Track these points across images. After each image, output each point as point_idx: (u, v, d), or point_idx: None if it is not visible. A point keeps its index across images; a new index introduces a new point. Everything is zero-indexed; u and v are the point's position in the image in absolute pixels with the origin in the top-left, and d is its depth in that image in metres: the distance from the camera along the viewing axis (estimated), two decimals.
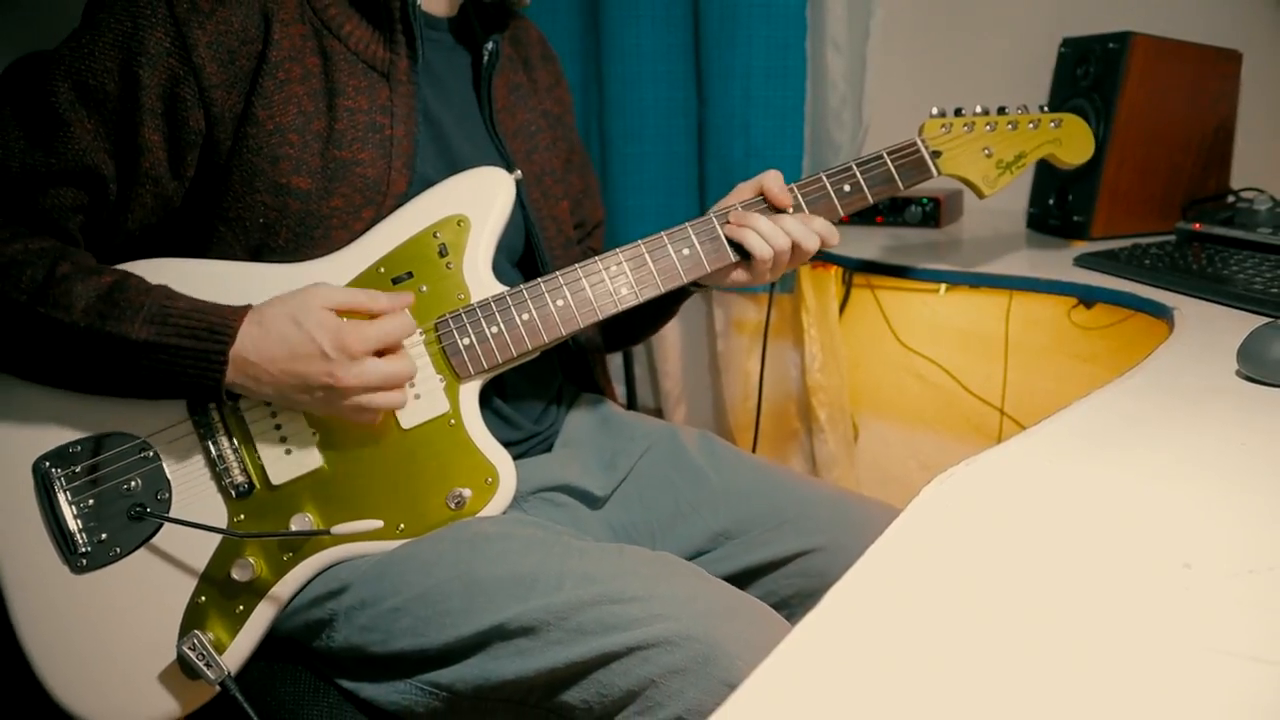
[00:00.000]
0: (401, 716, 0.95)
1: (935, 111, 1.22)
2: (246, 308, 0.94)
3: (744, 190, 1.14)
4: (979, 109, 1.23)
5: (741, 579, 1.11)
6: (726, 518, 1.13)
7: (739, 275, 1.12)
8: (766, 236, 1.08)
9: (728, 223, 1.10)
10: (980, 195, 1.24)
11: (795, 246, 1.09)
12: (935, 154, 1.19)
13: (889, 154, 1.17)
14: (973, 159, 1.22)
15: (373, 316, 0.97)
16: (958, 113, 1.22)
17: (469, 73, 1.15)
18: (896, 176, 1.16)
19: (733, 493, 1.15)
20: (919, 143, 1.19)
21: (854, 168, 1.15)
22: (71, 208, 0.96)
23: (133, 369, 0.93)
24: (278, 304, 0.94)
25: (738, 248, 1.10)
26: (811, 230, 1.10)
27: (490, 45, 1.12)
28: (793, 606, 1.10)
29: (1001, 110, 1.24)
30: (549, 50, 1.31)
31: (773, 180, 1.11)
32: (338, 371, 0.92)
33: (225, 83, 0.96)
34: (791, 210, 1.11)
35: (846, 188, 1.14)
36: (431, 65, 1.09)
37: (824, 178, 1.13)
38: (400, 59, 1.03)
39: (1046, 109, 1.28)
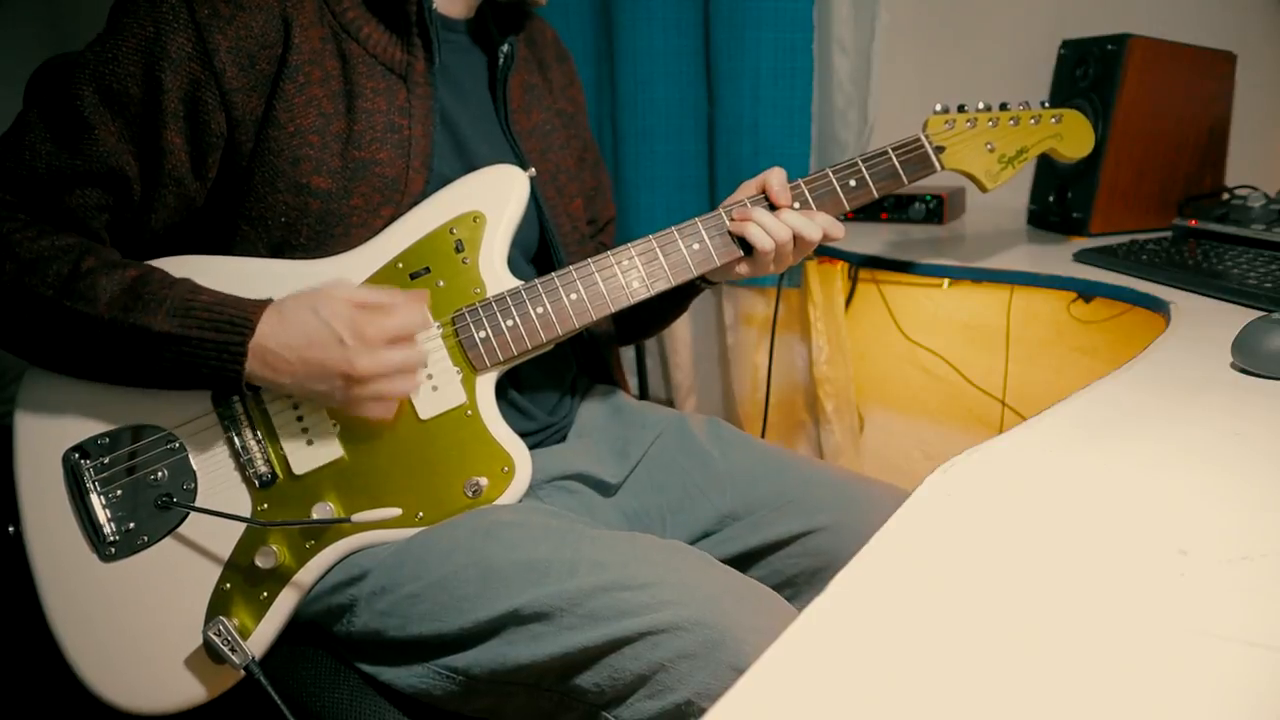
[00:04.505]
0: (419, 699, 0.96)
1: (939, 108, 1.22)
2: (268, 301, 0.95)
3: (748, 187, 1.14)
4: (981, 105, 1.23)
5: (748, 559, 1.12)
6: (733, 499, 1.14)
7: (742, 268, 1.13)
8: (768, 229, 1.09)
9: (732, 218, 1.11)
10: (983, 189, 1.25)
11: (797, 238, 1.10)
12: (939, 149, 1.20)
13: (893, 149, 1.17)
14: (975, 154, 1.23)
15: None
16: (961, 109, 1.22)
17: (485, 74, 1.16)
18: (901, 171, 1.17)
19: (739, 475, 1.16)
20: (923, 138, 1.20)
21: (859, 163, 1.15)
22: (97, 207, 0.98)
23: (156, 360, 0.94)
24: (298, 296, 0.96)
25: (742, 241, 1.11)
26: (814, 222, 1.10)
27: (506, 47, 1.13)
28: (798, 585, 1.11)
29: (1003, 106, 1.25)
30: (563, 50, 1.32)
31: (775, 178, 1.12)
32: (354, 359, 0.93)
33: (246, 86, 0.97)
34: (795, 208, 1.12)
35: (852, 182, 1.14)
36: (448, 67, 1.10)
37: (830, 173, 1.14)
38: (417, 61, 1.05)
39: (1047, 105, 1.28)
